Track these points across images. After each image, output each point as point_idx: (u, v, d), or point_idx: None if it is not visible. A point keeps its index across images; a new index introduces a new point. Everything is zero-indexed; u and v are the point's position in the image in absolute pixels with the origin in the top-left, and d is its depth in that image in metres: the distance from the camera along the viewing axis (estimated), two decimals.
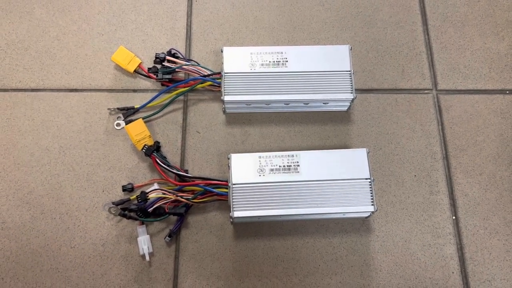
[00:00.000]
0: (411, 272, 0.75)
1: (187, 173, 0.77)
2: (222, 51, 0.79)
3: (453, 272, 0.75)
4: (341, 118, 0.83)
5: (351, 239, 0.76)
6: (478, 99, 0.85)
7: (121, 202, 0.75)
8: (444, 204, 0.79)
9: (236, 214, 0.70)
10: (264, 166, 0.73)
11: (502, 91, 0.86)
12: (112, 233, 0.75)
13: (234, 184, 0.72)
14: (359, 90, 0.85)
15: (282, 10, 0.90)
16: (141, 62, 0.84)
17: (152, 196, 0.73)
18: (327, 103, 0.81)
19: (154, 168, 0.78)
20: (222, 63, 0.78)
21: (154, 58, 0.83)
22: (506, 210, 0.78)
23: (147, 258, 0.73)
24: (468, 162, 0.81)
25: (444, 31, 0.90)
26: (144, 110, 0.82)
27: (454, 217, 0.78)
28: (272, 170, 0.73)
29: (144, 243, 0.73)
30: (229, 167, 0.73)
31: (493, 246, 0.76)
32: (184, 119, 0.83)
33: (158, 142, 0.79)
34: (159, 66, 0.83)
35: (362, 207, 0.72)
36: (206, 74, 0.81)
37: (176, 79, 0.83)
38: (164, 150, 0.80)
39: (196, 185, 0.74)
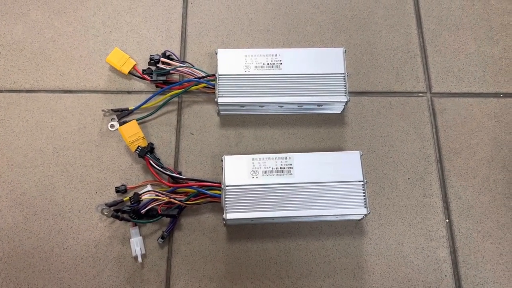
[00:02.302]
0: (404, 275, 0.75)
1: (180, 175, 0.77)
2: (216, 53, 0.80)
3: (446, 275, 0.75)
4: (335, 120, 0.84)
5: (344, 242, 0.76)
6: (472, 102, 0.86)
7: (114, 204, 0.75)
8: (438, 207, 0.79)
9: (229, 216, 0.70)
10: (258, 168, 0.73)
11: (496, 95, 0.86)
12: (105, 235, 0.75)
13: (227, 186, 0.72)
14: (353, 93, 0.85)
15: (277, 13, 0.90)
16: (135, 64, 0.84)
17: (145, 197, 0.73)
18: (321, 106, 0.81)
19: (147, 169, 0.78)
20: (217, 65, 0.79)
21: (148, 60, 0.83)
22: (499, 213, 0.78)
23: (140, 259, 0.73)
24: (461, 165, 0.81)
25: (438, 34, 0.90)
26: (138, 111, 0.82)
27: (447, 220, 0.78)
28: (265, 172, 0.73)
29: (136, 244, 0.73)
30: (222, 169, 0.73)
31: (486, 249, 0.76)
32: (178, 120, 0.83)
33: (152, 144, 0.79)
34: (153, 68, 0.84)
35: (355, 210, 0.72)
36: (200, 76, 0.81)
37: (171, 81, 0.83)
38: (158, 151, 0.80)
39: (190, 187, 0.74)
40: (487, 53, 0.89)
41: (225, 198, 0.71)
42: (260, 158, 0.74)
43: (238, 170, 0.73)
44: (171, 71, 0.83)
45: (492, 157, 0.82)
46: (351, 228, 0.77)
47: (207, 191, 0.73)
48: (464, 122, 0.84)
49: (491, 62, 0.88)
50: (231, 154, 0.75)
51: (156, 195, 0.73)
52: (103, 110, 0.82)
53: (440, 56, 0.89)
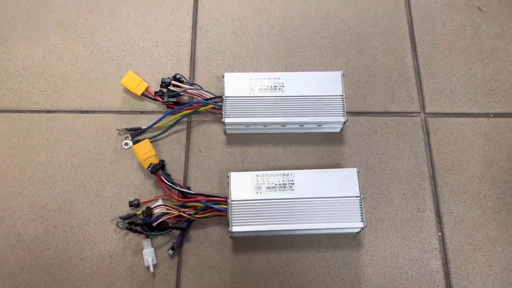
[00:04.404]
0: (399, 285, 0.79)
1: (189, 190, 0.82)
2: (223, 77, 0.85)
3: (438, 286, 0.79)
4: (334, 139, 0.89)
5: (343, 254, 0.81)
6: (464, 122, 0.91)
7: (128, 217, 0.79)
8: (431, 221, 0.83)
9: (235, 229, 0.75)
10: (261, 184, 0.78)
11: (486, 115, 0.91)
12: (119, 246, 0.80)
13: (233, 201, 0.76)
14: (351, 113, 0.90)
15: (280, 38, 0.96)
16: (148, 86, 0.90)
17: (156, 211, 0.78)
18: (321, 125, 0.86)
19: (159, 185, 0.83)
20: (224, 88, 0.84)
21: (160, 82, 0.89)
22: (489, 227, 0.83)
23: (151, 269, 0.78)
24: (453, 181, 0.86)
25: (432, 57, 0.96)
26: (151, 130, 0.88)
27: (440, 234, 0.83)
28: (268, 188, 0.78)
29: (148, 255, 0.78)
30: (228, 184, 0.78)
31: (476, 261, 0.81)
32: (188, 139, 0.88)
33: (163, 161, 0.85)
34: (165, 90, 0.89)
35: (352, 223, 0.76)
36: (208, 97, 0.87)
37: (181, 102, 0.89)
38: (169, 168, 0.86)
39: (198, 201, 0.79)
40: (478, 75, 0.94)
41: (231, 212, 0.76)
42: (263, 175, 0.79)
43: (243, 186, 0.78)
44: (181, 93, 0.88)
45: (482, 174, 0.87)
46: (349, 241, 0.82)
47: (214, 206, 0.78)
48: (456, 140, 0.89)
49: (481, 84, 0.94)
50: (237, 171, 0.80)
51: (167, 209, 0.78)
52: (117, 129, 0.88)
53: (433, 78, 0.94)
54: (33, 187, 0.84)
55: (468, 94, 0.93)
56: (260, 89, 0.84)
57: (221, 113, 0.84)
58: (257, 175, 0.79)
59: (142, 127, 0.87)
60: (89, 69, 0.93)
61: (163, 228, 0.79)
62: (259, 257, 0.80)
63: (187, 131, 0.89)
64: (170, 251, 0.79)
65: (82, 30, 0.96)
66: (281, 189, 0.78)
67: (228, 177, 0.79)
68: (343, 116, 0.83)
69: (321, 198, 0.77)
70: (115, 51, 0.94)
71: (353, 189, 0.78)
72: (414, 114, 0.91)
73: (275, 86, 0.85)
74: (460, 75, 0.94)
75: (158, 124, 0.87)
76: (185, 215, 0.78)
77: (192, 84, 0.90)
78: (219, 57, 0.94)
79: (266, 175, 0.79)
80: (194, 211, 0.79)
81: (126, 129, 0.87)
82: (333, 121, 0.84)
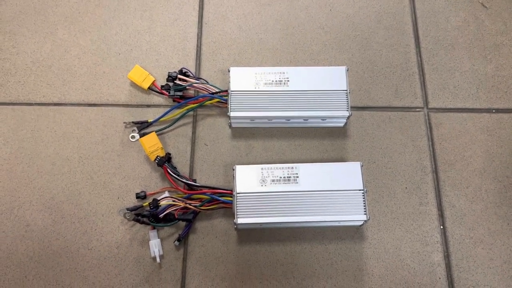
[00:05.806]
0: (401, 277, 0.81)
1: (195, 182, 0.83)
2: (229, 71, 0.86)
3: (439, 278, 0.81)
4: (338, 133, 0.90)
5: (346, 246, 0.82)
6: (466, 117, 0.92)
7: (135, 208, 0.81)
8: (433, 215, 0.85)
9: (240, 221, 0.76)
10: (266, 177, 0.80)
11: (488, 110, 0.92)
12: (126, 237, 0.82)
13: (238, 193, 0.78)
14: (355, 108, 0.92)
15: (285, 33, 0.97)
16: (154, 80, 0.91)
17: (163, 203, 0.80)
18: (325, 120, 0.87)
19: (165, 177, 0.84)
20: (229, 82, 0.85)
21: (166, 76, 0.90)
22: (491, 221, 0.84)
23: (158, 260, 0.79)
24: (455, 176, 0.87)
25: (435, 53, 0.97)
26: (157, 124, 0.89)
27: (441, 227, 0.84)
28: (273, 180, 0.79)
29: (155, 246, 0.79)
30: (233, 177, 0.79)
31: (477, 254, 0.82)
32: (193, 132, 0.90)
33: (169, 154, 0.86)
34: (171, 84, 0.90)
35: (355, 216, 0.77)
36: (214, 91, 0.88)
37: (187, 96, 0.90)
38: (175, 161, 0.87)
39: (204, 193, 0.80)
40: (480, 71, 0.95)
41: (236, 204, 0.77)
42: (268, 168, 0.80)
43: (248, 179, 0.79)
44: (187, 87, 0.89)
45: (484, 169, 0.88)
46: (352, 233, 0.83)
47: (219, 198, 0.80)
48: (459, 135, 0.90)
49: (484, 80, 0.95)
50: (242, 164, 0.81)
51: (173, 201, 0.80)
52: (124, 122, 0.89)
53: (436, 73, 0.95)
54: (41, 179, 0.85)
55: (471, 89, 0.94)
56: (265, 84, 0.85)
57: (226, 107, 0.85)
58: (262, 168, 0.80)
59: (149, 120, 0.88)
60: (96, 63, 0.94)
61: (169, 219, 0.80)
62: (264, 249, 0.82)
63: (193, 124, 0.90)
64: (176, 242, 0.80)
65: (89, 24, 0.97)
66: (285, 182, 0.79)
67: (233, 170, 0.80)
68: (347, 110, 0.84)
69: (325, 191, 0.79)
70: (122, 45, 0.96)
71: (357, 182, 0.79)
72: (417, 109, 0.92)
73: (280, 81, 0.86)
74: (463, 70, 0.95)
75: (164, 118, 0.88)
76: (191, 207, 0.79)
77: (198, 78, 0.91)
78: (224, 51, 0.95)
79: (271, 168, 0.80)
80: (200, 203, 0.80)
81: (133, 122, 0.89)
82: (337, 115, 0.85)
